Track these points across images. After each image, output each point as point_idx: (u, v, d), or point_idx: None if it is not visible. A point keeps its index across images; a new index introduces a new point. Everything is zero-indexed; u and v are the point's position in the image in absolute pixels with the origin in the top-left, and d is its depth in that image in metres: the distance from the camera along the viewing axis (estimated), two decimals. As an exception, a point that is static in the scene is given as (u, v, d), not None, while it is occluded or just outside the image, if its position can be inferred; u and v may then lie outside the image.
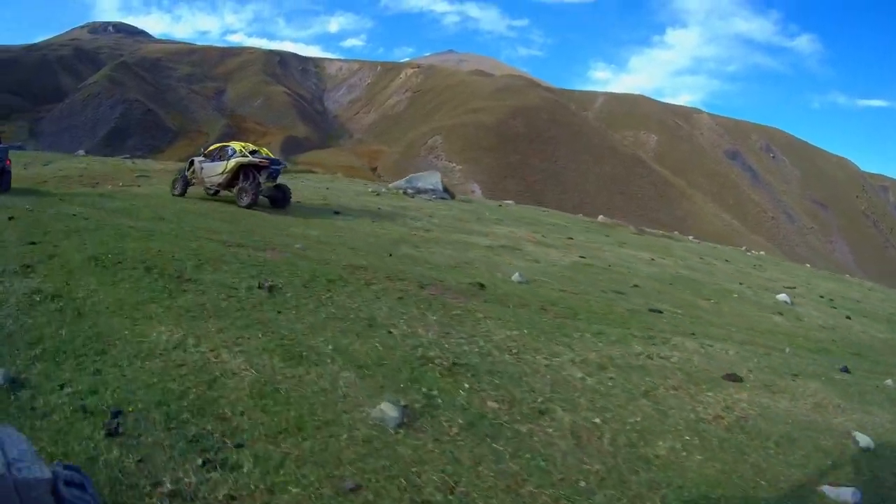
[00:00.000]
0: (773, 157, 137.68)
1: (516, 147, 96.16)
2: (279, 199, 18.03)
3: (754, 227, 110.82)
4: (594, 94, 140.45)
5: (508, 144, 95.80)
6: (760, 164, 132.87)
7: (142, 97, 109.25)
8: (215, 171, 17.96)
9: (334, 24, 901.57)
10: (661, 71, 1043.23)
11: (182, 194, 18.33)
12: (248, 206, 16.51)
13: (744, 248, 39.27)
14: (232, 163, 17.45)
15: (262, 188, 17.41)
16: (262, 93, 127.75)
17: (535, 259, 14.11)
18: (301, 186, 23.63)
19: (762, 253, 36.28)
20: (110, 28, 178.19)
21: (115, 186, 19.64)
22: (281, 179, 18.57)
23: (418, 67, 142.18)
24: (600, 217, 33.14)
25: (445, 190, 28.46)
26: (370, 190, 27.42)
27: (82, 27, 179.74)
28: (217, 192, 18.39)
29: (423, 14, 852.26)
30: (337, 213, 17.98)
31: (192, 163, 19.10)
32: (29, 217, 10.67)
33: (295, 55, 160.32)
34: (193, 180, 18.56)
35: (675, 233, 39.58)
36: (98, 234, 8.80)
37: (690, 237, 35.59)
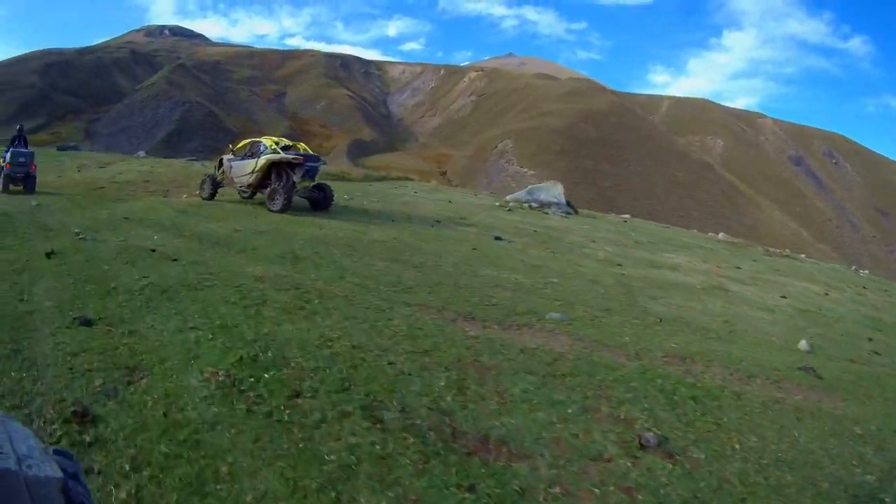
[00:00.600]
0: (836, 163, 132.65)
1: (587, 152, 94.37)
2: (319, 201, 16.82)
3: (820, 236, 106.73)
4: (659, 99, 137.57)
5: (579, 149, 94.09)
6: (823, 171, 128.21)
7: (202, 99, 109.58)
8: (245, 170, 16.70)
9: (392, 27, 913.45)
10: (718, 74, 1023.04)
11: (211, 197, 17.11)
12: (281, 210, 15.15)
13: (853, 267, 37.15)
14: (262, 160, 16.11)
15: (297, 189, 16.08)
16: (325, 95, 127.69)
17: (759, 305, 12.23)
18: (417, 199, 22.67)
19: (866, 272, 33.85)
20: (166, 32, 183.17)
21: (191, 196, 17.93)
22: (381, 187, 17.72)
23: (482, 70, 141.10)
24: (721, 234, 31.70)
25: (568, 203, 27.05)
26: (496, 204, 25.72)
27: (137, 30, 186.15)
28: (252, 194, 16.82)
29: (482, 18, 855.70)
30: (498, 238, 15.56)
31: (221, 162, 17.95)
32: (79, 252, 8.13)
33: (357, 58, 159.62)
34: (223, 181, 17.43)
35: (787, 250, 37.66)
36: (207, 302, 6.12)
37: (802, 255, 33.80)
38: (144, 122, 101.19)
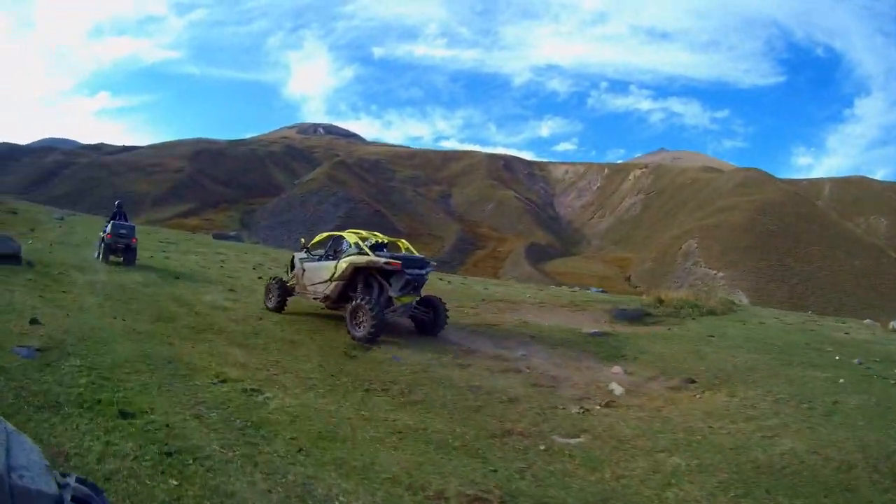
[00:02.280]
0: None
1: (772, 247, 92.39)
2: (428, 324, 12.83)
3: None
4: (820, 182, 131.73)
5: (764, 245, 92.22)
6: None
7: (366, 197, 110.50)
8: (320, 275, 12.86)
9: (545, 128, 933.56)
10: (855, 147, 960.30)
11: (278, 308, 13.36)
12: (369, 339, 11.04)
13: None
14: (343, 264, 12.26)
15: (394, 307, 12.14)
16: (492, 197, 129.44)
17: None
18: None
19: None
20: (320, 130, 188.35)
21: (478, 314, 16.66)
22: (704, 324, 14.64)
23: (645, 168, 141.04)
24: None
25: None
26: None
27: (290, 127, 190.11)
28: (336, 306, 12.78)
29: (630, 113, 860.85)
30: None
31: (293, 262, 14.23)
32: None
33: (518, 158, 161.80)
34: (295, 288, 13.62)
35: None
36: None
37: None
38: (306, 217, 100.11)
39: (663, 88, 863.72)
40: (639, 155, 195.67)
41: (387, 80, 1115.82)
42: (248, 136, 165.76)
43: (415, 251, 13.71)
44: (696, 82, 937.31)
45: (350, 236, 12.94)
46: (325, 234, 14.28)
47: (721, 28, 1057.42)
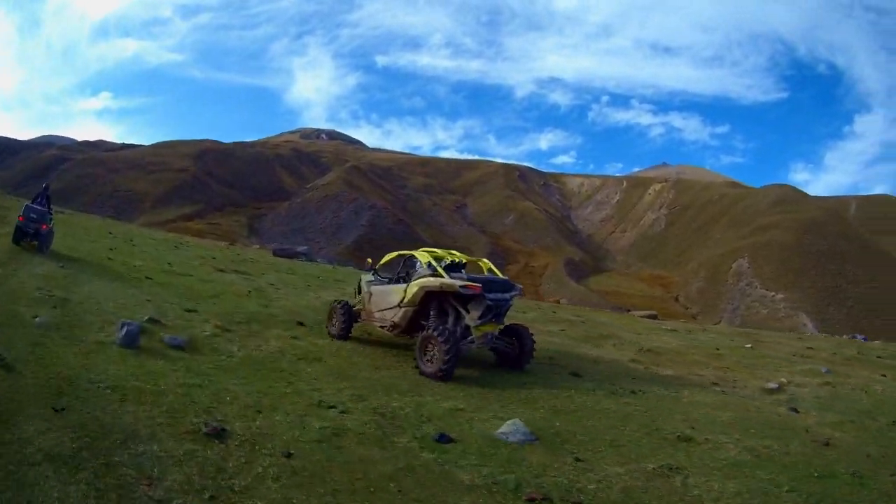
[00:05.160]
0: None
1: (824, 268, 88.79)
2: (511, 357, 11.17)
3: None
4: (846, 199, 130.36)
5: (816, 265, 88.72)
6: None
7: (387, 204, 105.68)
8: (388, 300, 11.29)
9: (544, 140, 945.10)
10: (854, 163, 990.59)
11: (343, 336, 11.78)
12: (441, 377, 9.37)
13: None
14: (413, 288, 10.63)
15: (471, 338, 10.25)
16: (513, 209, 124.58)
17: None
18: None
19: None
20: (323, 135, 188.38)
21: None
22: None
23: (666, 181, 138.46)
24: None
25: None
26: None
27: (293, 132, 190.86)
28: (407, 335, 11.26)
29: (630, 127, 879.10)
30: None
31: (360, 285, 12.78)
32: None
33: (532, 169, 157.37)
34: (361, 313, 12.06)
35: None
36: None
37: None
38: (325, 224, 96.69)
39: (664, 103, 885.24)
40: (638, 169, 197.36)
41: (389, 89, 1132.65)
42: (250, 139, 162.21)
43: (498, 272, 11.86)
44: (698, 97, 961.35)
45: (422, 256, 11.37)
46: (394, 254, 12.58)
47: (726, 43, 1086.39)
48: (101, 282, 13.65)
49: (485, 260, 12.36)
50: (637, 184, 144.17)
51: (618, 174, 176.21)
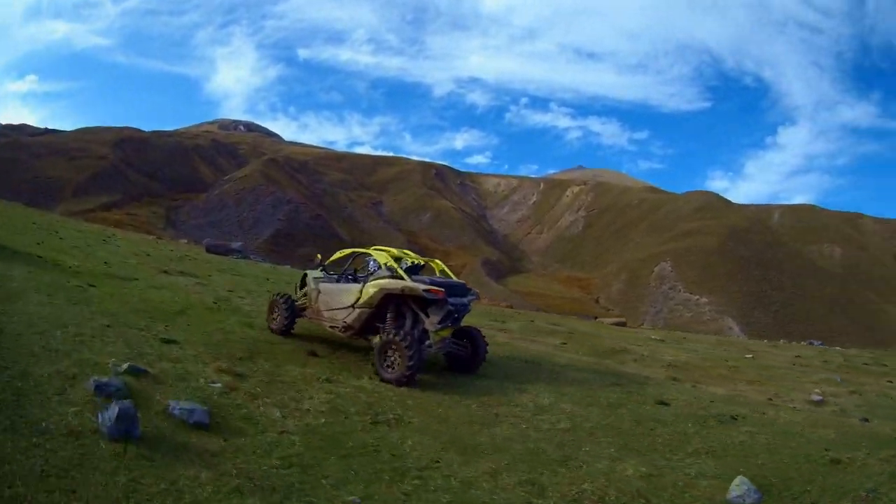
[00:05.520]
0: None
1: (748, 274, 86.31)
2: (465, 360, 10.42)
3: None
4: (767, 208, 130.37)
5: (741, 271, 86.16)
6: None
7: (305, 199, 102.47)
8: (341, 299, 10.27)
9: (460, 140, 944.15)
10: (775, 174, 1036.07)
11: (284, 331, 10.82)
12: (403, 382, 8.66)
13: None
14: (372, 289, 9.74)
15: (429, 342, 9.44)
16: (429, 207, 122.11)
17: None
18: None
19: None
20: (241, 127, 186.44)
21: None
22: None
23: (584, 184, 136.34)
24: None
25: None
26: None
27: (211, 122, 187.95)
28: (359, 337, 10.31)
29: (547, 130, 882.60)
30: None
31: (304, 280, 11.65)
32: None
33: (449, 168, 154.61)
34: (306, 309, 10.98)
35: None
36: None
37: None
38: (241, 217, 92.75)
39: (584, 107, 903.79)
40: (553, 171, 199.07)
41: (308, 83, 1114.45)
42: (169, 129, 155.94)
43: (452, 274, 11.08)
44: (618, 103, 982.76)
45: (379, 255, 10.36)
46: (346, 251, 11.53)
47: (652, 52, 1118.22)
48: (37, 294, 9.67)
49: (437, 261, 11.48)
50: (554, 185, 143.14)
51: (533, 175, 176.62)
